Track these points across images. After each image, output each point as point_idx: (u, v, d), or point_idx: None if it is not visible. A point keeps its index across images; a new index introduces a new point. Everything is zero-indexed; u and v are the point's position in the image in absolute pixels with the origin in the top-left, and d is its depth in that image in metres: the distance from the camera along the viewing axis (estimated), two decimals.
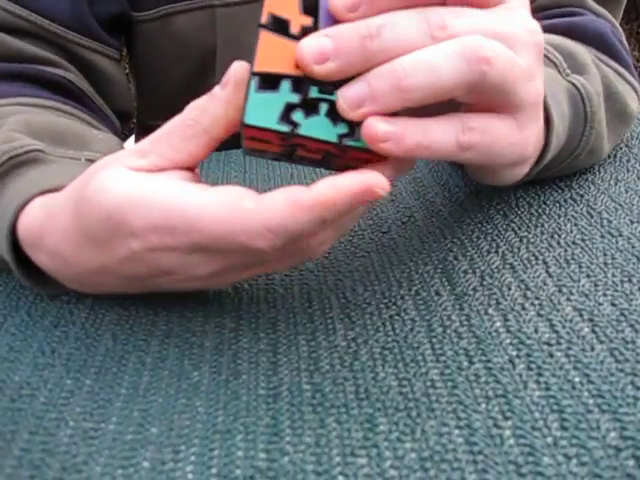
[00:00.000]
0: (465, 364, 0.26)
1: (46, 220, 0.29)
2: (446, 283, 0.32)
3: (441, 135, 0.24)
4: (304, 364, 0.27)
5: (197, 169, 0.29)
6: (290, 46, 0.24)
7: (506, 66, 0.24)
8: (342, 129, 0.25)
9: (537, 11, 0.47)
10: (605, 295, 0.29)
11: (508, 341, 0.27)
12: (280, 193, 0.24)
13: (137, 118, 0.65)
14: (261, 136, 0.25)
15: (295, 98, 0.24)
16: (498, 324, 0.28)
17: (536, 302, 0.29)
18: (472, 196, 0.40)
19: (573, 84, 0.36)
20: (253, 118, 0.24)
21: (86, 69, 0.49)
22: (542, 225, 0.36)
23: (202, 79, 0.55)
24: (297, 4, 0.24)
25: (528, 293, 0.30)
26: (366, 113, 0.24)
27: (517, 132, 0.26)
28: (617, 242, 0.33)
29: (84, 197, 0.27)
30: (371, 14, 0.24)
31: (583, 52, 0.38)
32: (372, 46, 0.23)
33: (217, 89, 0.27)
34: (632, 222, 0.35)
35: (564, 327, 0.28)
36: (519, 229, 0.36)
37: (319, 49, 0.23)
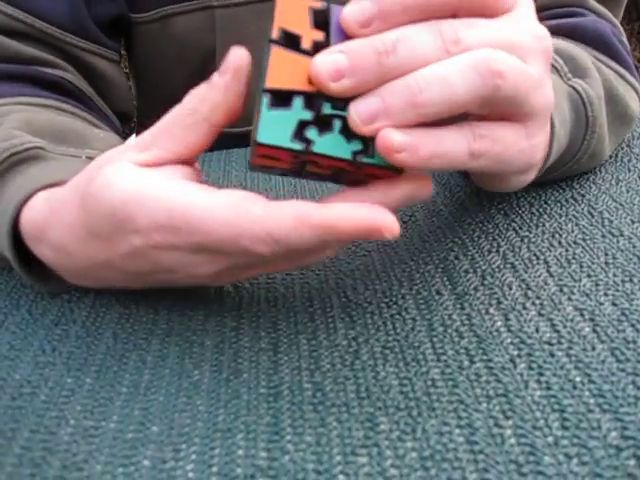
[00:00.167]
0: (466, 363, 0.26)
1: (50, 213, 0.30)
2: (447, 282, 0.32)
3: (453, 144, 0.24)
4: (305, 363, 0.27)
5: (199, 165, 0.29)
6: (302, 62, 0.24)
7: (519, 78, 0.24)
8: (356, 146, 0.24)
9: (538, 11, 0.47)
10: (606, 295, 0.29)
11: (509, 340, 0.27)
12: (289, 205, 0.24)
13: (137, 118, 0.65)
14: (273, 154, 0.25)
15: (308, 115, 0.24)
16: (499, 323, 0.28)
17: (537, 302, 0.29)
18: (473, 195, 0.40)
19: (574, 88, 0.36)
20: (266, 137, 0.24)
21: (85, 71, 0.49)
22: (543, 225, 0.36)
23: (202, 80, 0.54)
24: (308, 19, 0.24)
25: (529, 293, 0.30)
26: (379, 128, 0.23)
27: (526, 140, 0.26)
28: (618, 242, 0.33)
29: (89, 192, 0.27)
30: (384, 29, 0.23)
31: (584, 55, 0.38)
32: (388, 62, 0.23)
33: (216, 76, 0.27)
34: (633, 222, 0.35)
35: (565, 327, 0.28)
36: (520, 228, 0.36)
37: (335, 66, 0.23)
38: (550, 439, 0.22)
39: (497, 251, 0.34)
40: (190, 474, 0.22)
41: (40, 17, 0.46)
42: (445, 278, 0.32)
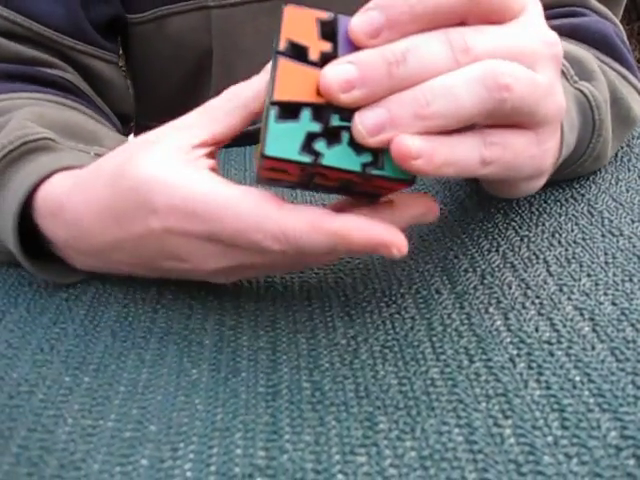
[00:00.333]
0: (465, 363, 0.26)
1: (73, 187, 0.30)
2: (446, 282, 0.32)
3: (465, 152, 0.24)
4: (304, 362, 0.27)
5: (217, 162, 0.30)
6: (310, 73, 0.23)
7: (526, 89, 0.24)
8: (365, 158, 0.24)
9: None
10: (606, 294, 0.29)
11: (508, 340, 0.27)
12: (307, 209, 0.25)
13: (136, 119, 0.65)
14: (280, 167, 0.24)
15: (316, 127, 0.23)
16: (498, 323, 0.28)
17: (537, 301, 0.29)
18: (472, 195, 0.40)
19: (581, 91, 0.36)
20: (274, 149, 0.23)
21: (84, 73, 0.49)
22: (543, 224, 0.36)
23: (199, 80, 0.54)
24: (315, 30, 0.24)
25: (529, 292, 0.30)
26: (385, 140, 0.23)
27: (537, 147, 0.26)
28: (618, 241, 0.33)
29: (121, 169, 0.28)
30: (393, 39, 0.23)
31: (589, 58, 0.38)
32: (398, 72, 0.23)
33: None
34: (633, 221, 0.35)
35: (565, 326, 0.27)
36: (520, 228, 0.35)
37: (345, 77, 0.23)
38: (550, 439, 0.22)
39: (497, 250, 0.34)
40: (188, 473, 0.22)
41: (37, 20, 0.46)
42: (444, 277, 0.32)
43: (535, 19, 0.26)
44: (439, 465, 0.22)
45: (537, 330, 0.27)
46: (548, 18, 0.45)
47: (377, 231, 0.24)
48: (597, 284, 0.30)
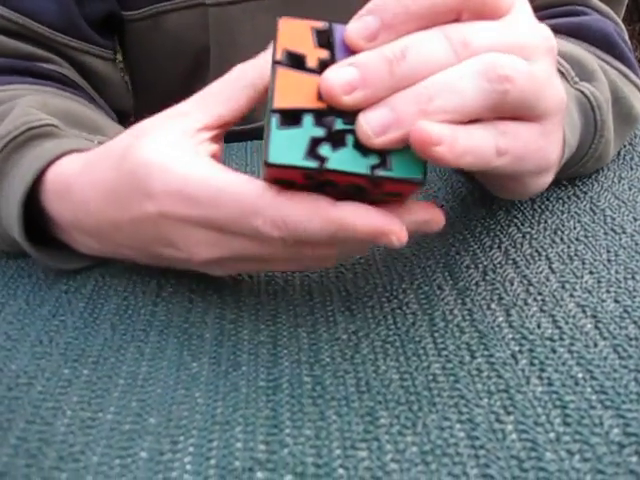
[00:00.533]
0: (467, 358, 0.26)
1: (82, 168, 0.30)
2: (448, 278, 0.31)
3: (482, 139, 0.24)
4: (305, 356, 0.27)
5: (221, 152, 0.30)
6: (308, 80, 0.23)
7: (527, 81, 0.24)
8: (373, 159, 0.23)
9: (541, 9, 0.47)
10: (608, 292, 0.29)
11: (510, 336, 0.27)
12: (306, 196, 0.24)
13: (134, 116, 0.64)
14: (285, 176, 0.24)
15: (320, 132, 0.23)
16: (500, 319, 0.28)
17: (539, 298, 0.29)
18: (475, 191, 0.39)
19: (582, 92, 0.35)
20: (277, 156, 0.23)
21: (79, 70, 0.49)
22: (545, 221, 0.35)
23: (197, 77, 0.54)
24: (311, 38, 0.24)
25: (531, 289, 0.30)
26: (391, 139, 0.23)
27: (542, 138, 0.26)
28: (620, 239, 0.33)
29: (126, 152, 0.28)
30: (390, 40, 0.23)
31: (589, 58, 0.38)
32: (399, 70, 0.23)
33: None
34: (635, 219, 0.35)
35: (567, 323, 0.27)
36: (522, 225, 0.35)
37: (346, 79, 0.22)
38: (552, 435, 0.22)
39: (499, 247, 0.33)
40: (188, 466, 0.22)
41: (31, 17, 0.46)
42: (446, 273, 0.32)
43: (525, 14, 0.26)
44: (440, 460, 0.21)
45: (539, 327, 0.27)
46: (549, 17, 0.45)
47: (377, 219, 0.24)
48: (599, 281, 0.30)
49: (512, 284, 0.30)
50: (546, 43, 0.26)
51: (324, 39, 0.24)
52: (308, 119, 0.23)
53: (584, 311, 0.28)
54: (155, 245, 0.29)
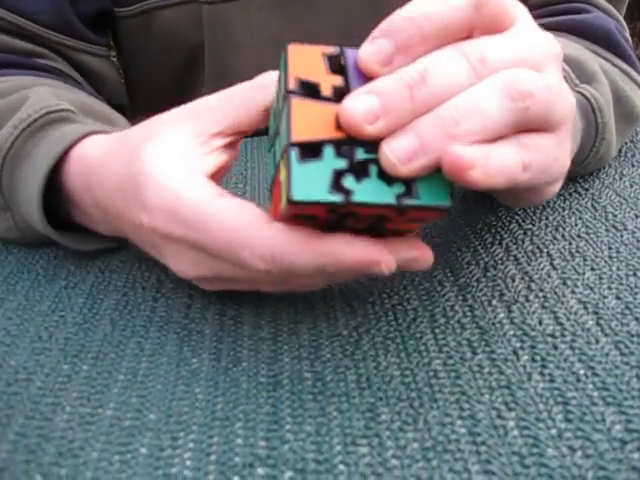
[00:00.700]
0: (468, 355, 0.26)
1: (104, 154, 0.31)
2: (449, 274, 0.31)
3: (510, 157, 0.23)
4: (305, 352, 0.27)
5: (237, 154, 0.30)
6: (324, 109, 0.22)
7: (545, 94, 0.23)
8: (399, 189, 0.22)
9: (542, 6, 0.47)
10: (610, 288, 0.29)
11: (512, 332, 0.27)
12: (297, 229, 0.24)
13: (130, 112, 0.64)
14: (308, 212, 0.23)
15: (342, 163, 0.22)
16: (502, 315, 0.28)
17: (540, 294, 0.29)
18: None
19: (583, 95, 0.35)
20: (301, 193, 0.22)
21: (76, 68, 0.49)
22: (546, 218, 0.35)
23: (192, 73, 0.54)
24: (323, 64, 0.23)
25: (532, 285, 0.30)
26: (418, 167, 0.22)
27: (558, 147, 0.26)
28: (622, 236, 0.33)
29: (137, 151, 0.27)
30: (406, 63, 0.22)
31: (590, 59, 0.38)
32: (420, 94, 0.22)
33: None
34: (637, 216, 0.35)
35: (568, 319, 0.27)
36: (523, 221, 0.35)
37: (367, 108, 0.21)
38: (553, 431, 0.22)
39: (500, 243, 0.33)
40: (188, 462, 0.22)
41: (24, 16, 0.45)
42: (447, 270, 0.32)
43: (528, 23, 0.26)
44: (442, 457, 0.21)
45: (541, 323, 0.27)
46: (551, 14, 0.45)
47: (366, 250, 0.24)
48: (601, 278, 0.30)
49: (513, 280, 0.30)
50: (553, 51, 0.26)
51: (336, 64, 0.23)
52: (329, 151, 0.22)
53: (586, 308, 0.28)
54: (150, 250, 0.29)
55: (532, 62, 0.24)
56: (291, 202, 0.22)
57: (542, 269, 0.31)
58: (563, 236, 0.33)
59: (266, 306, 0.30)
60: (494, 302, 0.29)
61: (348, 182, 0.22)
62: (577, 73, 0.36)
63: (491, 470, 0.21)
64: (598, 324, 0.27)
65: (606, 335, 0.26)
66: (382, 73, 0.22)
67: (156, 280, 0.33)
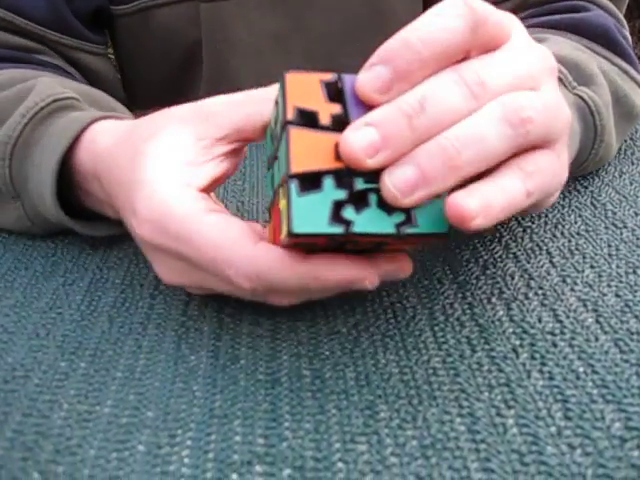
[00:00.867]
0: (468, 352, 0.26)
1: (113, 146, 0.30)
2: (448, 272, 0.31)
3: (512, 190, 0.23)
4: (304, 350, 0.27)
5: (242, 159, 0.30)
6: (323, 139, 0.22)
7: (544, 116, 0.23)
8: (398, 217, 0.22)
9: (542, 4, 0.47)
10: (609, 286, 0.29)
11: (511, 330, 0.27)
12: (282, 250, 0.24)
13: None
14: (308, 241, 0.23)
15: (342, 194, 0.22)
16: (501, 313, 0.28)
17: (540, 292, 0.29)
18: None
19: (581, 97, 0.35)
20: (301, 225, 0.22)
21: (72, 66, 0.49)
22: (546, 215, 0.35)
23: (190, 71, 0.54)
24: (321, 93, 0.23)
25: (532, 283, 0.30)
26: (420, 199, 0.22)
27: (557, 162, 0.26)
28: (621, 233, 0.33)
29: (139, 150, 0.27)
30: (405, 90, 0.22)
31: (588, 60, 0.37)
32: (419, 124, 0.22)
33: None
34: (636, 214, 0.35)
35: (568, 317, 0.27)
36: (522, 219, 0.35)
37: (367, 141, 0.21)
38: (553, 429, 0.22)
39: (499, 241, 0.33)
40: (186, 460, 0.22)
41: (19, 14, 0.45)
42: (446, 267, 0.32)
43: (523, 37, 0.25)
44: (441, 454, 0.21)
45: (540, 321, 0.27)
46: (552, 12, 0.45)
47: (349, 270, 0.24)
48: (600, 276, 0.30)
49: (513, 278, 0.30)
50: (548, 64, 0.26)
51: (334, 91, 0.23)
52: (328, 182, 0.22)
53: (585, 305, 0.28)
54: (144, 250, 0.29)
55: (529, 79, 0.24)
56: (292, 235, 0.22)
57: (541, 267, 0.31)
58: (562, 234, 0.33)
59: (265, 304, 0.30)
60: (493, 300, 0.29)
61: (348, 213, 0.22)
62: (574, 75, 0.36)
63: (490, 468, 0.21)
64: (597, 322, 0.27)
65: (605, 333, 0.26)
66: (380, 101, 0.22)
67: (154, 277, 0.32)
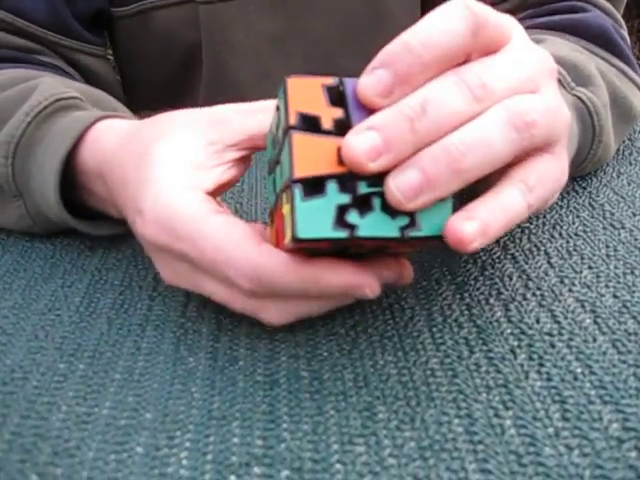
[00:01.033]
0: (466, 353, 0.26)
1: (119, 145, 0.30)
2: (446, 272, 0.31)
3: (513, 206, 0.23)
4: (302, 351, 0.27)
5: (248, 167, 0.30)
6: (326, 143, 0.22)
7: (547, 119, 0.24)
8: (402, 221, 0.22)
9: (540, 4, 0.47)
10: (607, 287, 0.29)
11: (509, 331, 0.27)
12: (284, 253, 0.24)
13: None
14: (312, 246, 0.23)
15: (346, 198, 0.22)
16: (499, 314, 0.28)
17: (537, 293, 0.29)
18: None
19: (579, 98, 0.35)
20: (306, 231, 0.22)
21: (73, 68, 0.49)
22: (544, 216, 0.35)
23: (189, 73, 0.54)
24: (323, 97, 0.23)
25: (530, 283, 0.30)
26: (425, 202, 0.22)
27: (558, 167, 0.26)
28: (619, 234, 0.33)
29: (144, 153, 0.27)
30: (406, 94, 0.22)
31: (586, 61, 0.38)
32: (421, 127, 0.21)
33: None
34: (634, 214, 0.35)
35: (566, 318, 0.27)
36: None
37: (369, 145, 0.21)
38: (551, 430, 0.22)
39: (497, 242, 0.33)
40: (184, 461, 0.22)
41: (20, 15, 0.46)
42: (444, 268, 0.32)
43: (523, 39, 0.25)
44: (439, 455, 0.21)
45: (538, 322, 0.27)
46: (550, 13, 0.45)
47: (350, 275, 0.24)
48: (598, 276, 0.30)
49: (511, 279, 0.30)
50: (548, 66, 0.26)
51: (336, 95, 0.23)
52: (332, 186, 0.22)
53: (583, 306, 0.28)
54: (145, 249, 0.29)
55: (529, 82, 0.24)
56: (296, 240, 0.22)
57: (539, 267, 0.31)
58: (560, 234, 0.33)
59: None
60: (491, 301, 0.29)
61: (352, 217, 0.22)
62: (573, 76, 0.36)
63: (488, 469, 0.21)
64: (595, 322, 0.27)
65: (603, 333, 0.26)
66: (382, 105, 0.22)
67: (153, 279, 0.32)
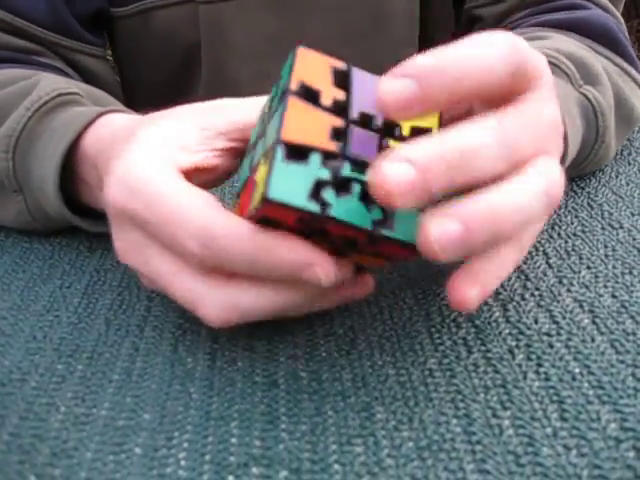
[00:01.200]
0: (464, 354, 0.26)
1: (113, 133, 0.30)
2: (445, 273, 0.31)
3: (508, 263, 0.24)
4: (301, 351, 0.27)
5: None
6: (320, 117, 0.22)
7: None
8: (376, 215, 0.22)
9: (540, 3, 0.47)
10: (606, 287, 0.29)
11: (507, 331, 0.27)
12: (238, 218, 0.23)
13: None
14: (278, 215, 0.22)
15: (325, 174, 0.21)
16: (497, 314, 0.28)
17: (536, 293, 0.29)
18: None
19: (585, 96, 0.35)
20: (278, 192, 0.21)
21: (72, 68, 0.49)
22: None
23: (189, 73, 0.54)
24: (329, 76, 0.23)
25: (528, 284, 0.30)
26: (458, 256, 0.21)
27: (554, 167, 0.25)
28: (618, 234, 0.33)
29: (135, 132, 0.27)
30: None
31: (594, 60, 0.38)
32: (459, 177, 0.21)
33: None
34: (633, 214, 0.35)
35: (564, 318, 0.27)
36: None
37: (405, 179, 0.20)
38: (549, 430, 0.22)
39: None
40: (182, 462, 0.22)
41: (19, 15, 0.45)
42: (443, 268, 0.32)
43: (549, 87, 0.25)
44: (437, 456, 0.21)
45: (536, 322, 0.27)
46: (551, 10, 0.45)
47: (303, 250, 0.23)
48: (597, 276, 0.30)
49: (509, 279, 0.30)
50: (560, 129, 0.26)
51: (342, 80, 0.23)
52: (315, 158, 0.22)
53: (581, 306, 0.28)
54: (109, 218, 0.28)
55: (545, 141, 0.24)
56: (266, 200, 0.21)
57: (538, 267, 0.31)
58: (559, 234, 0.33)
59: None
60: (490, 301, 0.29)
61: (328, 195, 0.21)
62: (582, 73, 0.36)
63: (486, 469, 0.21)
64: (594, 323, 0.27)
65: (602, 334, 0.26)
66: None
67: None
